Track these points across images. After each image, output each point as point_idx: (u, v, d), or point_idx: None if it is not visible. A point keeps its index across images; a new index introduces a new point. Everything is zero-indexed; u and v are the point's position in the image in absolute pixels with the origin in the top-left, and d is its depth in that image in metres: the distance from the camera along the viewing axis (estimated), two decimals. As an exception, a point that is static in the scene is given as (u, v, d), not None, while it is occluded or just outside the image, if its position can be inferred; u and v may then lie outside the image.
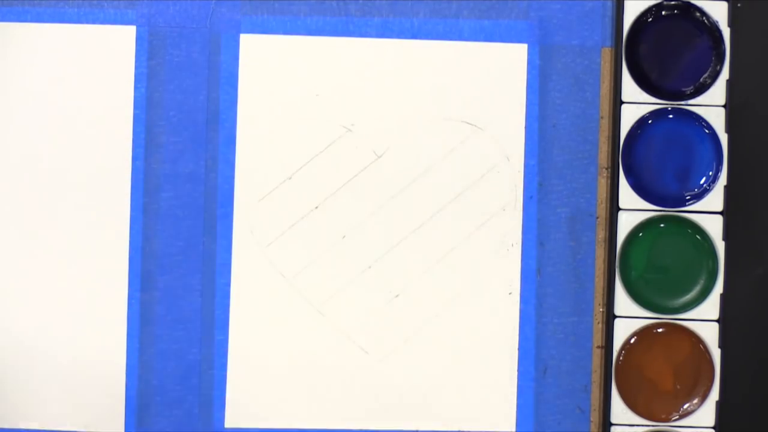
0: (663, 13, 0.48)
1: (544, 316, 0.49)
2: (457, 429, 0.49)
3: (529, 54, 0.48)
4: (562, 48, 0.48)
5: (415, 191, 0.48)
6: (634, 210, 0.48)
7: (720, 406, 0.48)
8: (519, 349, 0.49)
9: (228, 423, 0.48)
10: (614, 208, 0.48)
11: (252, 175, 0.48)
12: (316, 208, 0.48)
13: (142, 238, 0.48)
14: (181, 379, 0.48)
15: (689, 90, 0.48)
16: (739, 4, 0.48)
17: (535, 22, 0.48)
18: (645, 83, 0.48)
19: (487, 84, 0.48)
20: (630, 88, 0.48)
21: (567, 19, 0.48)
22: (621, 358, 0.48)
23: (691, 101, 0.48)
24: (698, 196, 0.48)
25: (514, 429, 0.49)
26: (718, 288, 0.48)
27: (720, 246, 0.48)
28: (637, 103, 0.48)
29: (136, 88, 0.48)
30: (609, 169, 0.48)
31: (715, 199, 0.48)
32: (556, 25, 0.48)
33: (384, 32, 0.48)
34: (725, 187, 0.48)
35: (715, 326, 0.48)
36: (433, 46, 0.48)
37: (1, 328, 0.47)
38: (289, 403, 0.48)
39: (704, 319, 0.48)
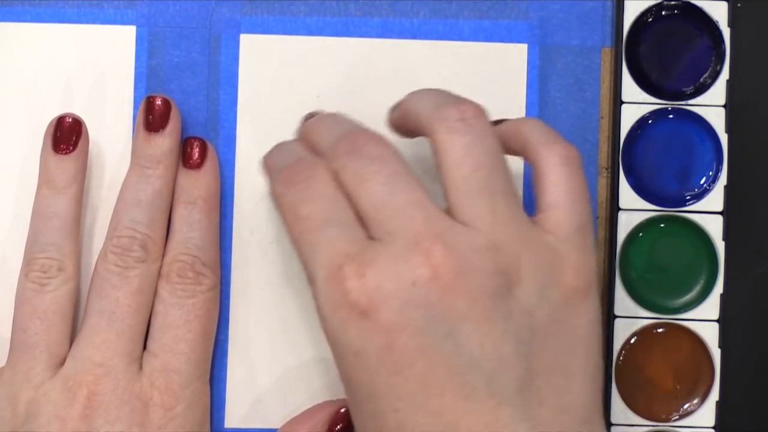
0: (663, 13, 0.48)
1: (544, 316, 0.49)
2: (457, 429, 0.48)
3: (529, 54, 0.48)
4: (562, 48, 0.48)
5: (415, 191, 0.48)
6: (634, 210, 0.48)
7: (720, 406, 0.48)
8: (519, 349, 0.49)
9: (228, 423, 0.48)
10: (614, 208, 0.48)
11: (252, 175, 0.48)
12: (316, 208, 0.48)
13: (142, 238, 0.48)
14: (181, 379, 0.48)
15: (689, 90, 0.48)
16: (739, 4, 0.48)
17: (535, 22, 0.48)
18: (645, 83, 0.48)
19: (487, 84, 0.48)
20: (630, 88, 0.48)
21: (567, 19, 0.48)
22: (621, 358, 0.48)
23: (691, 101, 0.48)
24: (698, 196, 0.48)
25: (514, 429, 0.49)
26: (718, 288, 0.48)
27: (720, 246, 0.48)
28: (637, 103, 0.48)
29: (136, 88, 0.48)
30: (609, 169, 0.48)
31: (715, 199, 0.48)
32: (556, 25, 0.48)
33: (384, 32, 0.48)
34: (725, 187, 0.48)
35: (715, 326, 0.48)
36: (433, 46, 0.48)
37: (1, 328, 0.47)
38: (289, 403, 0.48)
39: (704, 319, 0.48)
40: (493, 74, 0.48)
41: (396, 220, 0.37)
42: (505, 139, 0.42)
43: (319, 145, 0.41)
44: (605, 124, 0.48)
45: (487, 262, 0.37)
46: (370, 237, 0.38)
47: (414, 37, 0.48)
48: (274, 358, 0.48)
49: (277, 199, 0.40)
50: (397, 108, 0.43)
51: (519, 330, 0.37)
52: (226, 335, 0.48)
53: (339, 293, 0.37)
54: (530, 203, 0.40)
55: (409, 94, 0.43)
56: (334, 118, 0.43)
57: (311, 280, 0.38)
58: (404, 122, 0.42)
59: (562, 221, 0.39)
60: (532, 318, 0.38)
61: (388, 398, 0.37)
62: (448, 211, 0.38)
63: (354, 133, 0.40)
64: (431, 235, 0.37)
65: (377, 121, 0.48)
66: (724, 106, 0.48)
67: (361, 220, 0.38)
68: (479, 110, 0.40)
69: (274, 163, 0.42)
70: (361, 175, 0.39)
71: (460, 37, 0.48)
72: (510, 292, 0.37)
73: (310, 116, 0.45)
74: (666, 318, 0.48)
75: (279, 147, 0.43)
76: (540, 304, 0.38)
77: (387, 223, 0.38)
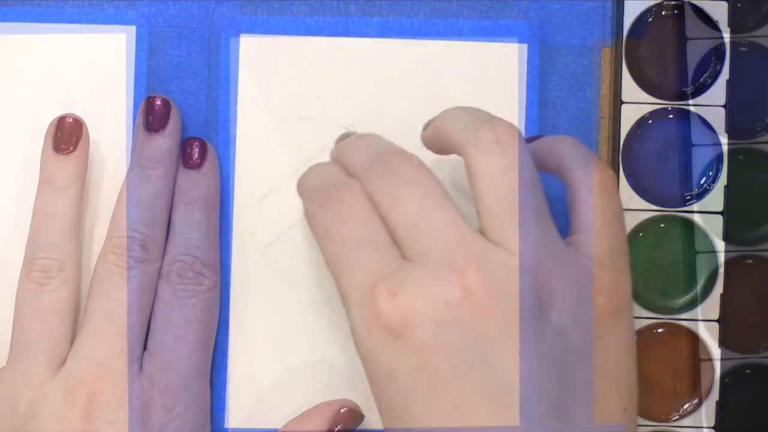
0: (663, 13, 0.48)
1: (544, 316, 0.49)
2: (457, 429, 0.49)
3: (529, 54, 0.48)
4: (562, 48, 0.49)
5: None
6: (634, 210, 0.48)
7: (720, 406, 0.48)
8: (519, 349, 0.49)
9: (228, 423, 0.48)
10: (614, 208, 0.48)
11: (252, 175, 0.48)
12: (316, 208, 0.48)
13: (142, 238, 0.48)
14: (181, 379, 0.48)
15: (689, 90, 0.48)
16: (739, 4, 0.48)
17: (535, 22, 0.48)
18: (645, 83, 0.48)
19: (486, 84, 0.48)
20: (630, 88, 0.48)
21: (567, 19, 0.48)
22: (621, 358, 0.48)
23: (691, 101, 0.48)
24: (698, 196, 0.48)
25: (514, 429, 0.49)
26: (718, 288, 0.48)
27: (720, 246, 0.48)
28: (637, 103, 0.48)
29: (136, 88, 0.48)
30: (609, 169, 0.48)
31: (715, 199, 0.48)
32: (556, 25, 0.48)
33: (384, 32, 0.48)
34: (725, 187, 0.48)
35: (715, 326, 0.48)
36: (433, 46, 0.48)
37: (1, 328, 0.47)
38: (289, 404, 0.48)
39: (704, 319, 0.48)
40: (492, 74, 0.48)
41: (429, 240, 0.37)
42: (539, 156, 0.42)
43: (352, 166, 0.41)
44: (605, 124, 0.48)
45: (520, 283, 0.37)
46: (404, 258, 0.38)
47: (414, 36, 0.48)
48: (275, 358, 0.48)
49: (310, 220, 0.40)
50: (429, 125, 0.43)
51: (553, 352, 0.37)
52: (226, 335, 0.48)
53: (372, 314, 0.37)
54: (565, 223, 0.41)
55: (442, 111, 0.42)
56: (366, 138, 0.43)
57: (344, 301, 0.38)
58: (437, 140, 0.42)
59: (596, 244, 0.40)
60: (566, 340, 0.37)
61: (421, 418, 0.36)
62: (482, 232, 0.38)
63: (387, 153, 0.40)
64: (464, 256, 0.37)
65: (378, 121, 0.48)
66: (724, 106, 0.48)
67: (395, 241, 0.38)
68: (513, 130, 0.39)
69: (308, 185, 0.42)
70: (395, 196, 0.38)
71: (460, 36, 0.48)
72: (543, 313, 0.37)
73: (344, 137, 0.45)
74: (666, 318, 0.48)
75: (313, 169, 0.43)
76: (574, 326, 0.38)
77: (420, 244, 0.37)
